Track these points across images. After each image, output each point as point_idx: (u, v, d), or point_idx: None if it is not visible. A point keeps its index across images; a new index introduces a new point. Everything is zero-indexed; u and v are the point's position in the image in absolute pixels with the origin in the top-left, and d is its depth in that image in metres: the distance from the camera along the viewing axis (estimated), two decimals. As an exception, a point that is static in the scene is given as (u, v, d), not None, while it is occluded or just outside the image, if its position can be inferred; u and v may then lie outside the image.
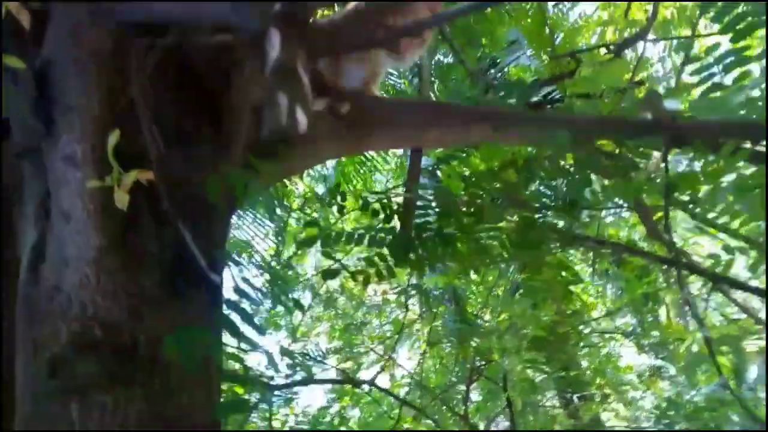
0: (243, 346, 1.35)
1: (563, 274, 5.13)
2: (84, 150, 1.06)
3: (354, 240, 1.76)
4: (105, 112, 1.08)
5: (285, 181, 5.35)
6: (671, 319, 5.72)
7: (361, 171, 5.89)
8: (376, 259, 1.73)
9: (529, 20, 3.51)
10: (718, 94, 1.10)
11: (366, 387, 5.39)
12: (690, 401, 5.87)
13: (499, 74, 4.30)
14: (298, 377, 4.48)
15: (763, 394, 5.88)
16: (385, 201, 1.83)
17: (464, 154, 3.31)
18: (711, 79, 1.09)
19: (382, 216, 1.81)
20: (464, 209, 1.71)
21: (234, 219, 5.04)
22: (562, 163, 1.62)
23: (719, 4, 1.12)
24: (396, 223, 1.85)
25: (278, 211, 4.79)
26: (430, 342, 4.72)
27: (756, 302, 5.57)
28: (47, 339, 1.12)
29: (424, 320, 5.29)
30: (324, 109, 1.92)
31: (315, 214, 5.27)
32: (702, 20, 2.61)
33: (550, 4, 4.48)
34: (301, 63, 1.11)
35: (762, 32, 1.24)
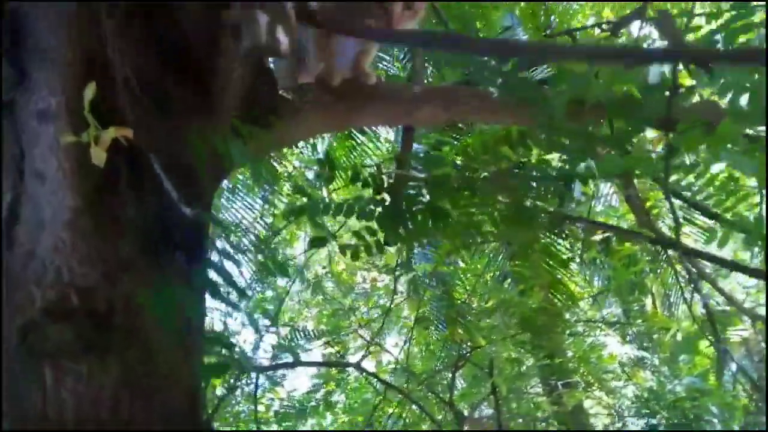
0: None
1: (550, 262, 5.16)
2: (59, 103, 1.01)
3: (343, 211, 1.72)
4: (81, 64, 1.02)
5: (275, 165, 5.29)
6: (656, 309, 5.77)
7: (352, 155, 5.84)
8: (364, 232, 1.70)
9: (523, 4, 3.47)
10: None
11: (352, 372, 5.39)
12: (671, 391, 5.95)
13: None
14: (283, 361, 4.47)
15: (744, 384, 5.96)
16: (375, 172, 1.80)
17: (456, 142, 3.28)
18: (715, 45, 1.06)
19: (371, 188, 1.78)
20: (456, 183, 1.68)
21: (224, 201, 4.99)
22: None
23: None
24: (386, 196, 1.82)
25: (267, 193, 4.73)
26: (417, 319, 4.70)
27: (740, 294, 5.63)
28: (22, 305, 1.07)
29: (410, 304, 5.28)
30: (315, 81, 1.87)
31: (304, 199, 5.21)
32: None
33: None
34: None
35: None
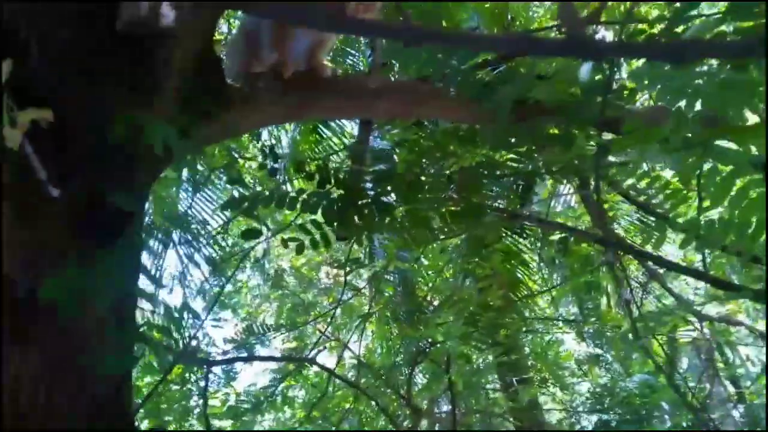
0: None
1: (511, 261, 5.23)
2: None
3: (285, 203, 1.70)
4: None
5: (236, 156, 5.21)
6: (611, 308, 5.92)
7: (317, 150, 5.80)
8: (309, 226, 1.68)
9: (487, 5, 3.49)
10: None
11: (313, 367, 5.36)
12: (624, 388, 6.12)
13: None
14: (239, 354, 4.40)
15: (693, 383, 6.17)
16: (322, 165, 1.78)
17: (420, 137, 3.29)
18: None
19: (316, 181, 1.76)
20: (406, 179, 1.68)
21: (183, 194, 4.88)
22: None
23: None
24: (333, 189, 1.80)
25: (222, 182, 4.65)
26: (362, 316, 4.69)
27: (691, 295, 5.82)
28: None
29: (376, 301, 5.28)
30: (267, 71, 1.84)
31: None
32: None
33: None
34: None
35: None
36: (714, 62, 1.14)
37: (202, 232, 4.60)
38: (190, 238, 4.71)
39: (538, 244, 5.12)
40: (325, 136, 5.45)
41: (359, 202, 1.71)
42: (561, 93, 1.49)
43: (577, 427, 5.94)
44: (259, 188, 5.11)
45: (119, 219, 1.07)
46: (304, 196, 1.70)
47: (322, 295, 6.40)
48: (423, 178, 1.75)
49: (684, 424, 5.96)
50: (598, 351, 6.40)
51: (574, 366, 6.55)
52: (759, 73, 0.94)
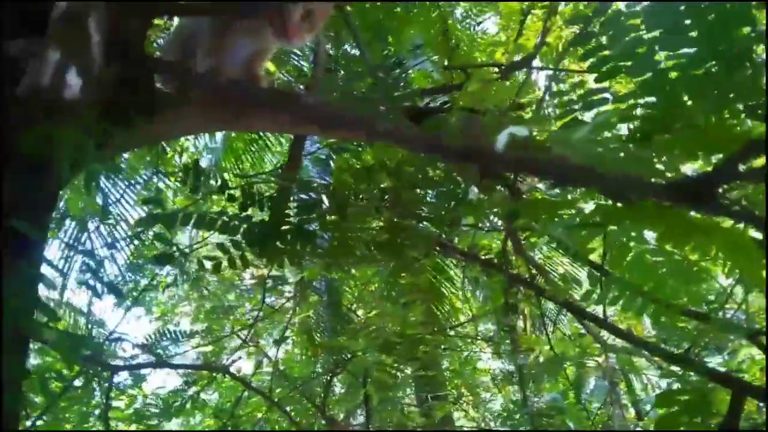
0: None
1: (437, 276, 5.31)
2: None
3: (204, 224, 1.63)
4: None
5: (166, 147, 4.99)
6: (527, 330, 6.15)
7: (252, 149, 5.66)
8: (229, 245, 1.63)
9: (432, 31, 3.54)
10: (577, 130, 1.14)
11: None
12: (534, 406, 6.37)
13: (404, 75, 4.32)
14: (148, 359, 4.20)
15: (596, 404, 6.51)
16: (246, 187, 1.72)
17: (359, 147, 3.27)
18: (571, 114, 1.13)
19: (238, 203, 1.70)
20: (328, 206, 1.66)
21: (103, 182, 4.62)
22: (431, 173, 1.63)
23: (588, 45, 1.16)
24: (254, 212, 1.75)
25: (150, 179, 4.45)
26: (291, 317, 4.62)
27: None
28: None
29: (298, 309, 5.20)
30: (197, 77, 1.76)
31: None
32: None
33: (458, 14, 4.58)
34: (98, 16, 0.94)
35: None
36: (624, 131, 1.20)
37: (121, 226, 4.38)
38: (106, 233, 4.47)
39: (464, 262, 5.26)
40: (261, 135, 5.34)
41: (282, 228, 1.67)
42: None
43: (487, 444, 6.11)
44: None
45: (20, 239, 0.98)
46: (224, 218, 1.64)
47: (243, 298, 6.23)
48: (353, 199, 1.74)
49: (585, 443, 6.29)
50: (512, 368, 6.64)
51: (489, 381, 6.75)
52: (659, 150, 1.01)
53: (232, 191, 1.71)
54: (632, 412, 6.75)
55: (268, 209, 1.72)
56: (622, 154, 0.92)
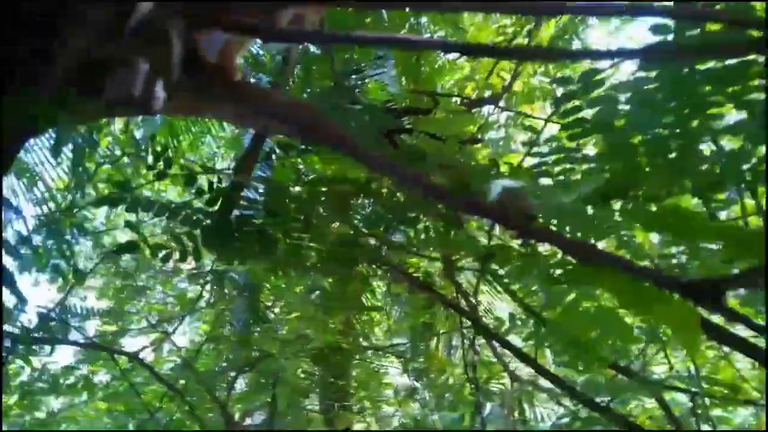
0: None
1: (361, 285, 5.35)
2: None
3: (167, 214, 1.55)
4: None
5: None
6: (439, 351, 6.30)
7: (193, 129, 5.44)
8: (184, 237, 1.56)
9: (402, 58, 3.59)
10: (549, 181, 1.21)
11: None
12: (432, 424, 6.53)
13: (360, 83, 4.32)
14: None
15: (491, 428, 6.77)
16: (215, 181, 1.65)
17: (306, 148, 3.23)
18: (541, 167, 1.20)
19: (206, 196, 1.63)
20: (294, 213, 1.63)
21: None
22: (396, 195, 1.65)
23: (568, 105, 1.23)
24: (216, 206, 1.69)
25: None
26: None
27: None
28: None
29: (213, 301, 5.04)
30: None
31: (125, 159, 4.69)
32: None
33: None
34: (177, 28, 0.93)
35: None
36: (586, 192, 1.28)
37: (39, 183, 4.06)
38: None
39: (389, 276, 5.32)
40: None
41: (244, 228, 1.61)
42: (457, 180, 1.56)
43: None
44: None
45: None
46: (188, 210, 1.57)
47: (156, 280, 5.94)
48: (311, 211, 1.71)
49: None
50: (417, 385, 6.77)
51: (392, 396, 6.83)
52: (623, 216, 1.09)
53: (202, 184, 1.63)
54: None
55: (223, 202, 1.65)
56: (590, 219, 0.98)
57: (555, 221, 1.05)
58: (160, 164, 1.66)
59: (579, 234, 1.08)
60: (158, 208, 1.57)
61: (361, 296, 5.31)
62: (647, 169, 1.24)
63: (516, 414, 6.91)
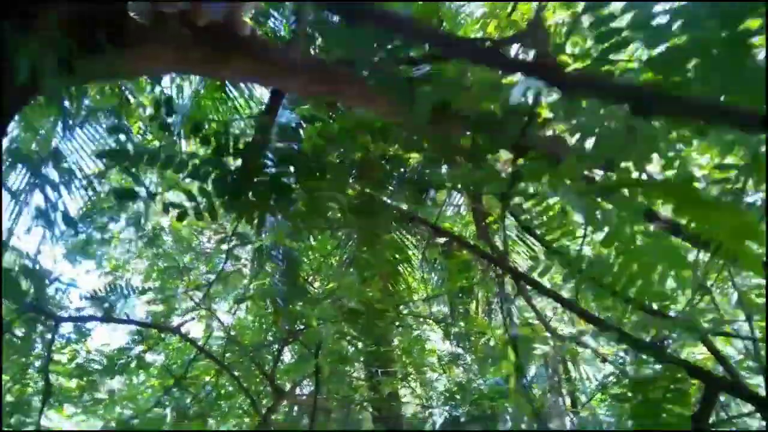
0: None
1: (396, 255, 5.34)
2: None
3: (173, 165, 1.54)
4: None
5: (130, 99, 4.78)
6: (478, 314, 6.26)
7: (221, 109, 5.48)
8: (196, 193, 1.55)
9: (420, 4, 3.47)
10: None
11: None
12: (476, 389, 6.54)
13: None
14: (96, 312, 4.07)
15: (537, 391, 6.74)
16: (221, 131, 1.63)
17: (330, 119, 3.20)
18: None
19: (212, 147, 1.60)
20: (309, 163, 1.59)
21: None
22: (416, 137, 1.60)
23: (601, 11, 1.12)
24: (230, 159, 1.67)
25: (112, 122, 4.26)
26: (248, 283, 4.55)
27: (549, 312, 6.32)
28: None
29: (253, 276, 5.13)
30: (176, 14, 1.67)
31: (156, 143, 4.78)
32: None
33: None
34: None
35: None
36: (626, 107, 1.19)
37: (76, 173, 4.18)
38: (59, 177, 4.29)
39: (424, 243, 5.29)
40: (231, 96, 5.18)
41: (256, 179, 1.59)
42: (483, 108, 1.50)
43: (430, 420, 6.23)
44: (148, 138, 4.74)
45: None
46: (196, 161, 1.55)
47: (200, 261, 6.10)
48: (327, 162, 1.68)
49: (523, 426, 6.52)
50: (460, 351, 6.77)
51: (436, 362, 6.86)
52: (661, 127, 1.01)
53: (206, 133, 1.61)
54: (568, 400, 7.00)
55: (241, 158, 1.64)
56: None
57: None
58: (163, 112, 1.63)
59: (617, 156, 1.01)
60: (164, 160, 1.54)
61: (396, 265, 5.31)
62: (691, 75, 1.12)
63: (561, 374, 6.85)
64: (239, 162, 1.63)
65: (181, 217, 1.61)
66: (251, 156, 1.64)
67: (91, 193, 4.69)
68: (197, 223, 5.64)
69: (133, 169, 1.48)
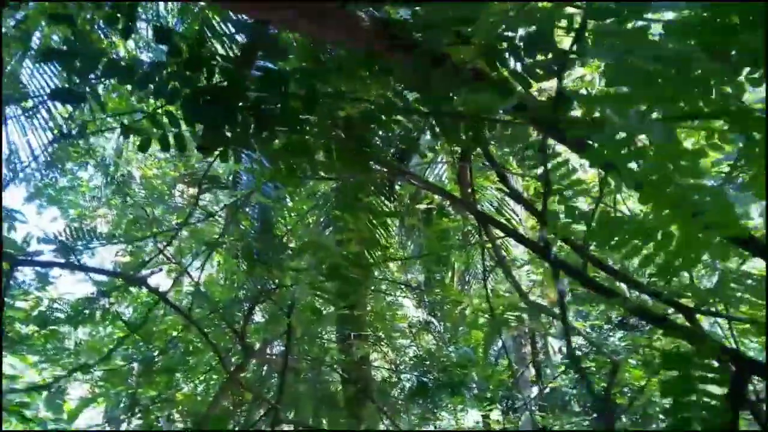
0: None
1: (373, 220, 5.24)
2: None
3: (120, 72, 1.26)
4: None
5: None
6: (453, 283, 6.26)
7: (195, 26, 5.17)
8: (162, 118, 1.32)
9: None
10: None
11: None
12: (446, 356, 6.59)
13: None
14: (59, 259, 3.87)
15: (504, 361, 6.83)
16: (193, 42, 1.36)
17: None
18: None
19: (182, 58, 1.34)
20: (296, 91, 1.41)
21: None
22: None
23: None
24: (202, 78, 1.43)
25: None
26: (208, 244, 4.39)
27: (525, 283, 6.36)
28: None
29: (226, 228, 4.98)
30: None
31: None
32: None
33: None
34: None
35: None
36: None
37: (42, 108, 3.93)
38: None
39: (403, 208, 5.20)
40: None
41: (235, 105, 1.37)
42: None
43: (399, 386, 6.27)
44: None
45: None
46: (164, 73, 1.29)
47: (170, 213, 5.90)
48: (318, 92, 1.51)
49: (488, 395, 6.63)
50: (432, 319, 6.79)
51: (406, 328, 6.88)
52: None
53: (177, 43, 1.35)
54: (533, 371, 7.12)
55: (217, 77, 1.39)
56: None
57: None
58: (123, 18, 1.32)
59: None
60: (107, 65, 1.25)
61: (373, 229, 5.23)
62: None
63: (531, 347, 6.95)
64: (214, 84, 1.39)
65: (143, 146, 1.42)
66: (229, 78, 1.41)
67: (56, 133, 4.44)
68: (170, 173, 5.42)
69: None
